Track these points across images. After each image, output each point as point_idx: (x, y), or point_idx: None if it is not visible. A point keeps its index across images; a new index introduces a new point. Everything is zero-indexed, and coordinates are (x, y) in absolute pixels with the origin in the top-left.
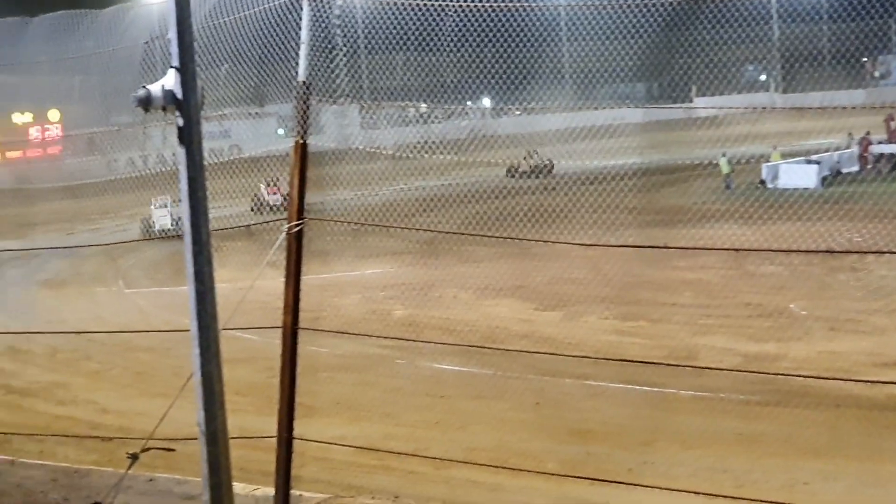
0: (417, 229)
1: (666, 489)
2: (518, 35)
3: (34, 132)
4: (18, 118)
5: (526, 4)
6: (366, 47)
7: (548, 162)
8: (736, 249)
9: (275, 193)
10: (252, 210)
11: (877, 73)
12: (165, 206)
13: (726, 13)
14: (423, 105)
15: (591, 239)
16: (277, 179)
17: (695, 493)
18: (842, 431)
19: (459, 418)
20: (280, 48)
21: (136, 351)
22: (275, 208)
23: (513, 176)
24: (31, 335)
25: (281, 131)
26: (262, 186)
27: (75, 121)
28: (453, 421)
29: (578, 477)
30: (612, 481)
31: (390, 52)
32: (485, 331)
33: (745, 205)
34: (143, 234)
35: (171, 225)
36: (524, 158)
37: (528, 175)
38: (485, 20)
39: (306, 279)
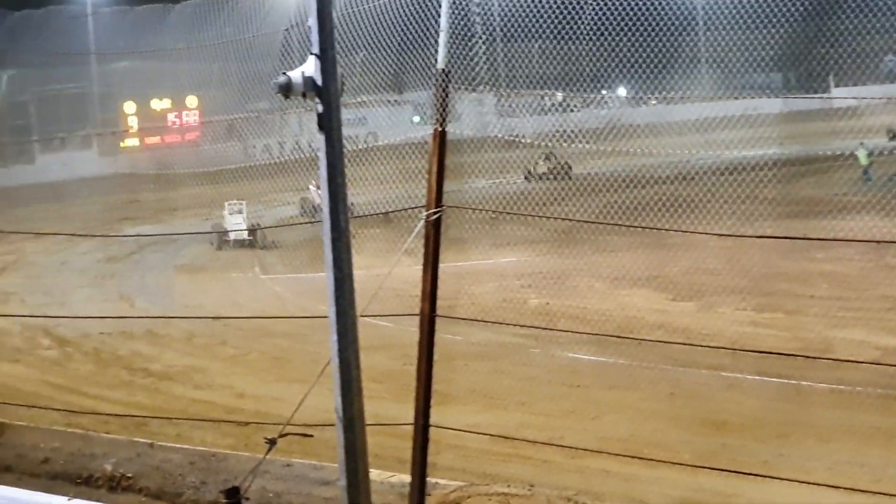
0: (553, 218)
1: (802, 482)
2: (655, 24)
3: (172, 118)
4: (157, 104)
5: None
6: (502, 35)
7: (565, 164)
8: (876, 241)
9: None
10: (301, 214)
11: None
12: (240, 213)
13: (868, 2)
14: (559, 94)
15: (727, 230)
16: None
17: (831, 486)
18: None
19: (593, 408)
20: (419, 36)
21: (273, 336)
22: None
23: (528, 180)
24: (169, 319)
25: (417, 119)
26: (312, 187)
27: (213, 107)
28: (587, 410)
29: (712, 468)
30: (746, 473)
31: (527, 41)
32: (619, 320)
33: (884, 196)
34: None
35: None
36: (542, 160)
37: (546, 178)
38: (622, 8)
39: (442, 267)
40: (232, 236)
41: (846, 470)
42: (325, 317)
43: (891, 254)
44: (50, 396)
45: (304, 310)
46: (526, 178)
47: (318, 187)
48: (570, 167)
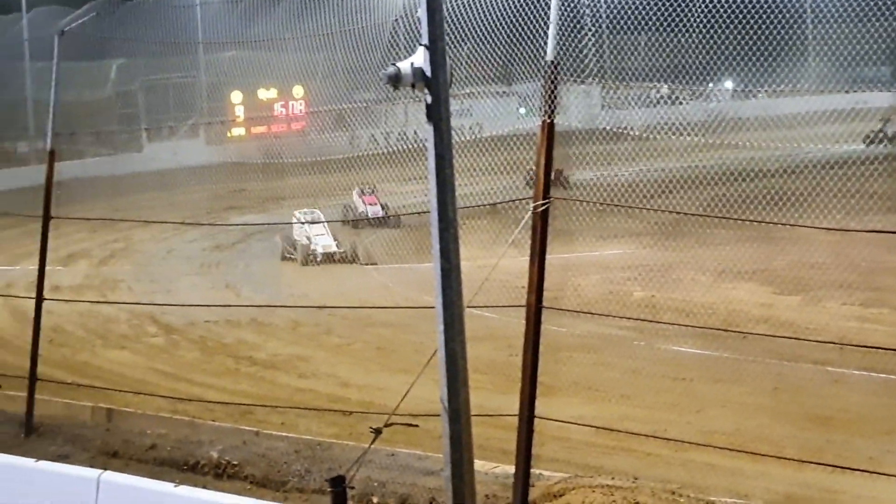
0: (660, 210)
1: None
2: (763, 16)
3: (278, 108)
4: (264, 94)
5: None
6: (610, 27)
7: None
8: None
9: (373, 203)
10: (343, 224)
11: None
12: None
13: None
14: (665, 87)
15: (834, 224)
16: (374, 187)
17: None
18: None
19: (697, 401)
20: (527, 28)
21: (377, 326)
22: (373, 222)
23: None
24: (274, 308)
25: (523, 111)
26: (355, 194)
27: (319, 97)
28: (691, 404)
29: (818, 463)
30: (852, 469)
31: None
32: (723, 314)
33: None
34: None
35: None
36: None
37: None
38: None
39: (548, 258)
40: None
41: None
42: (432, 307)
43: None
44: (156, 383)
45: (408, 300)
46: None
47: (363, 193)
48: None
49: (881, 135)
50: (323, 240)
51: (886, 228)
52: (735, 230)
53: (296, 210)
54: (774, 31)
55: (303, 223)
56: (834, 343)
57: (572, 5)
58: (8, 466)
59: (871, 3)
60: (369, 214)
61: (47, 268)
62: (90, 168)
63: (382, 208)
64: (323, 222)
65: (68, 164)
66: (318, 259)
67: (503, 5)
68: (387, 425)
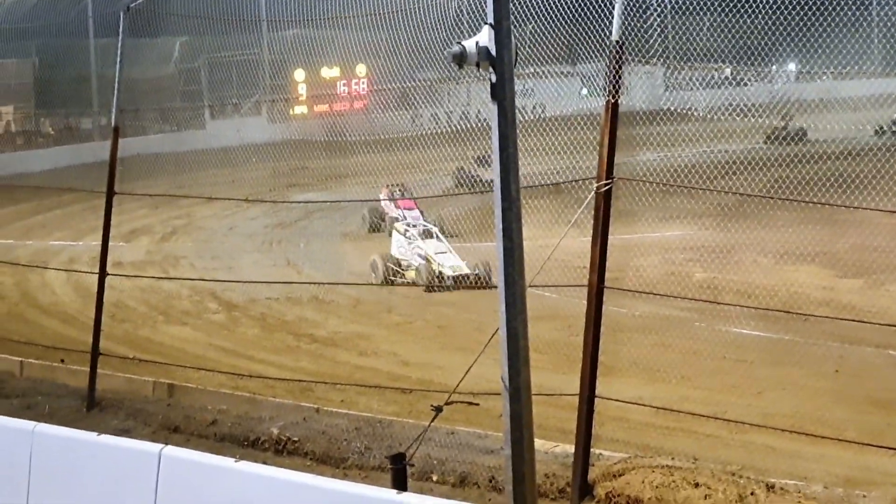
0: (722, 192)
1: None
2: None
3: (341, 86)
4: (327, 72)
5: None
6: (674, 8)
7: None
8: None
9: (411, 208)
10: (370, 230)
11: None
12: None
13: None
14: (728, 68)
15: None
16: (404, 187)
17: None
18: None
19: (757, 383)
20: (592, 8)
21: (437, 305)
22: (409, 233)
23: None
24: (335, 286)
25: (585, 91)
26: (383, 196)
27: (381, 75)
28: (750, 386)
29: (879, 446)
30: None
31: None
32: (784, 296)
33: None
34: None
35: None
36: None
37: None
38: None
39: (609, 239)
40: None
41: None
42: (493, 286)
43: None
44: (217, 359)
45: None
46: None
47: (391, 196)
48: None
49: (784, 132)
50: (448, 259)
51: None
52: (797, 213)
53: (398, 223)
54: (839, 13)
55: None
56: None
57: None
58: (70, 440)
59: None
60: (409, 221)
61: (110, 243)
62: (153, 145)
63: (422, 215)
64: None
65: (132, 141)
66: (449, 283)
67: None
68: (447, 403)
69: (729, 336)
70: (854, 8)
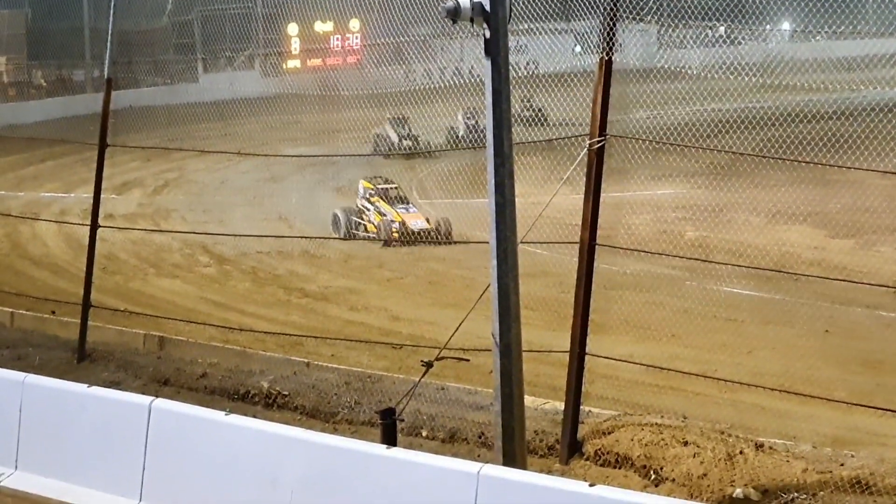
0: (715, 150)
1: None
2: None
3: (335, 41)
4: (320, 27)
5: None
6: None
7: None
8: None
9: (416, 217)
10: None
11: None
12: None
13: None
14: (722, 27)
15: (890, 168)
16: (388, 183)
17: None
18: None
19: (747, 342)
20: None
21: (428, 261)
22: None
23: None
24: (326, 241)
25: (578, 49)
26: (362, 193)
27: (374, 30)
28: (741, 345)
29: (867, 406)
30: None
31: None
32: (776, 256)
33: None
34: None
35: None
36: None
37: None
38: None
39: (601, 197)
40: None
41: None
42: (485, 242)
43: None
44: (208, 313)
45: (461, 235)
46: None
47: (377, 191)
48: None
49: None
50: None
51: None
52: (789, 172)
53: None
54: None
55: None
56: (887, 287)
57: None
58: (61, 391)
59: None
60: (415, 230)
61: (102, 196)
62: (145, 97)
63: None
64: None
65: (124, 94)
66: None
67: None
68: (437, 359)
69: (720, 295)
70: None
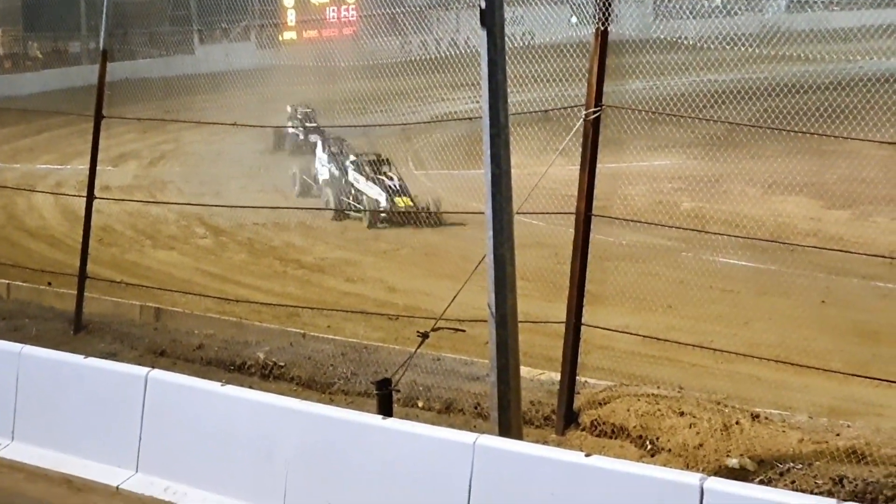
0: (711, 120)
1: None
2: None
3: (331, 12)
4: None
5: None
6: None
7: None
8: None
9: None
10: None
11: None
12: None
13: None
14: None
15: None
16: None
17: None
18: None
19: (743, 313)
20: None
21: (424, 233)
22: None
23: None
24: (323, 211)
25: (574, 19)
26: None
27: (370, 1)
28: (737, 315)
29: (863, 377)
30: None
31: None
32: (772, 227)
33: None
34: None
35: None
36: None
37: None
38: None
39: (597, 167)
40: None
41: None
42: (480, 213)
43: None
44: (204, 284)
45: (457, 206)
46: None
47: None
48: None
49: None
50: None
51: None
52: (786, 143)
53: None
54: None
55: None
56: (883, 257)
57: None
58: (57, 362)
59: None
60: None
61: (98, 168)
62: (141, 69)
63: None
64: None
65: (120, 65)
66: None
67: None
68: (433, 330)
69: (716, 266)
70: None
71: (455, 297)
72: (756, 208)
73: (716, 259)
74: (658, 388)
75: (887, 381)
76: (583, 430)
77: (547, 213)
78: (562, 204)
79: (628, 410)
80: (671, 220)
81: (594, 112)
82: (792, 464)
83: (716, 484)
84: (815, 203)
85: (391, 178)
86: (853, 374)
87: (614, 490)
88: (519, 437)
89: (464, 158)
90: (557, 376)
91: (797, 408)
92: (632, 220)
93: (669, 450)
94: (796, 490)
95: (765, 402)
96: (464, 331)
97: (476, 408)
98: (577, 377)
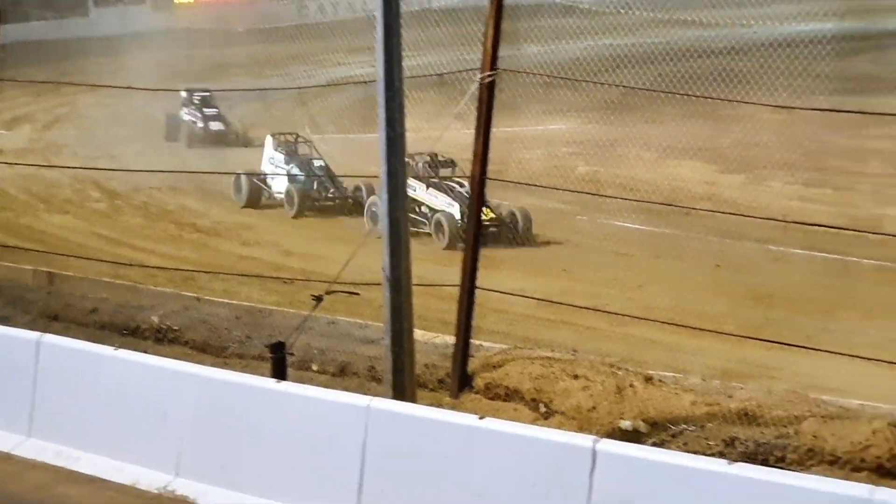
0: (606, 84)
1: (845, 356)
2: None
3: None
4: None
5: None
6: None
7: None
8: None
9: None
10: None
11: None
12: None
13: None
14: None
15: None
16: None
17: (875, 361)
18: None
19: (638, 277)
20: None
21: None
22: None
23: None
24: (220, 175)
25: None
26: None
27: None
28: (632, 279)
29: (756, 339)
30: (790, 345)
31: None
32: (667, 191)
33: None
34: None
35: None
36: None
37: None
38: None
39: (492, 132)
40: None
41: (890, 346)
42: (376, 176)
43: None
44: (98, 248)
45: (353, 170)
46: None
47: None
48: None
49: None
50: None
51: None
52: (681, 108)
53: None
54: None
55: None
56: (777, 220)
57: None
58: None
59: None
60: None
61: None
62: (35, 32)
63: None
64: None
65: (13, 28)
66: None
67: None
68: (327, 293)
69: (611, 229)
70: None
71: (349, 260)
72: (651, 172)
73: (611, 223)
74: (552, 351)
75: (780, 343)
76: (477, 393)
77: (443, 176)
78: (458, 168)
79: (522, 373)
80: (567, 184)
81: (489, 76)
82: (684, 426)
83: (608, 446)
84: (710, 167)
85: (461, 185)
86: (746, 337)
87: (507, 453)
88: (413, 400)
89: (360, 122)
90: (452, 340)
91: (691, 370)
92: (527, 184)
93: (563, 412)
94: (689, 452)
95: (659, 365)
96: (357, 294)
97: (370, 371)
98: (472, 340)
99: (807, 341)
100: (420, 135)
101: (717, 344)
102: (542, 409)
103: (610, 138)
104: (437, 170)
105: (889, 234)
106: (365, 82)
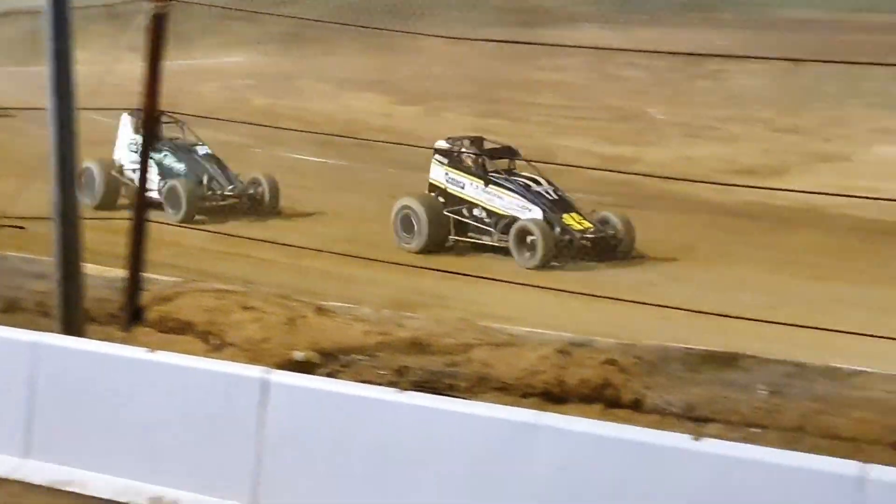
0: (282, 16)
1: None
2: None
3: None
4: None
5: None
6: None
7: None
8: (597, 48)
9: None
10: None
11: None
12: None
13: None
14: None
15: (455, 35)
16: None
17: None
18: (692, 234)
19: (315, 208)
20: None
21: None
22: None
23: None
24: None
25: None
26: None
27: None
28: (310, 211)
29: (426, 269)
30: (461, 274)
31: None
32: (343, 123)
33: (608, 9)
34: None
35: None
36: None
37: None
38: None
39: (166, 64)
40: None
41: (554, 273)
42: (43, 108)
43: (612, 65)
44: None
45: (23, 103)
46: None
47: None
48: None
49: None
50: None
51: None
52: (358, 40)
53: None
54: None
55: None
56: (451, 152)
57: None
58: None
59: None
60: None
61: None
62: None
63: None
64: None
65: None
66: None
67: None
68: None
69: (288, 162)
70: None
71: (16, 194)
72: (328, 104)
73: (288, 155)
74: (226, 284)
75: (450, 272)
76: (149, 327)
77: (112, 108)
78: (132, 101)
79: (195, 306)
80: (243, 117)
81: (161, 7)
82: (357, 356)
83: (280, 377)
84: (387, 99)
85: (538, 182)
86: (418, 267)
87: (180, 385)
88: (82, 335)
89: (32, 55)
90: (124, 274)
91: (364, 300)
92: (202, 117)
93: (236, 345)
94: (361, 381)
95: (333, 296)
96: (23, 227)
97: (40, 306)
98: (144, 274)
99: (477, 269)
100: (93, 67)
101: (391, 275)
102: (216, 342)
103: (286, 71)
104: (481, 159)
105: (557, 164)
106: (32, 13)
